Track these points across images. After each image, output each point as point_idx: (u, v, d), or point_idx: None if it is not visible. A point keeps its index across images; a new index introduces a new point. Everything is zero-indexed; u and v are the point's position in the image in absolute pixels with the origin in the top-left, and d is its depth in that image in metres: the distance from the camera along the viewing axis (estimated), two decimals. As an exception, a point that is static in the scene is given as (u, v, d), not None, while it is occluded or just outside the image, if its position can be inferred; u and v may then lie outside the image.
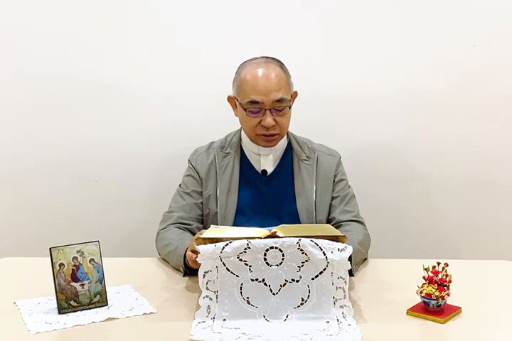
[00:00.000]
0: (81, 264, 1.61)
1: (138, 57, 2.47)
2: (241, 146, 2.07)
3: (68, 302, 1.60)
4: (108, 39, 2.45)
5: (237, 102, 1.97)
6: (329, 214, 2.04)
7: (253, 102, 1.90)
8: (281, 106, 1.91)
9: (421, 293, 1.56)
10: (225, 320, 1.51)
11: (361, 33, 2.42)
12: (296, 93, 2.01)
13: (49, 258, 1.58)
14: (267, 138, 1.97)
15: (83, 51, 2.46)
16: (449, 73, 2.43)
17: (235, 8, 2.42)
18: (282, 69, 1.94)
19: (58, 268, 1.59)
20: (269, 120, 1.91)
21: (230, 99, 2.02)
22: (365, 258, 1.99)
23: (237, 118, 2.02)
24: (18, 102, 2.52)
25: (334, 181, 2.07)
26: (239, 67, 1.98)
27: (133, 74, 2.47)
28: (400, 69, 2.44)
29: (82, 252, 1.62)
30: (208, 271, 1.54)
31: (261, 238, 1.54)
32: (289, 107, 1.94)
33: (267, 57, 1.97)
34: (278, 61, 1.97)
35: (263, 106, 1.90)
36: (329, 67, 2.45)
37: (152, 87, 2.48)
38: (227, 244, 1.52)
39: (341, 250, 1.53)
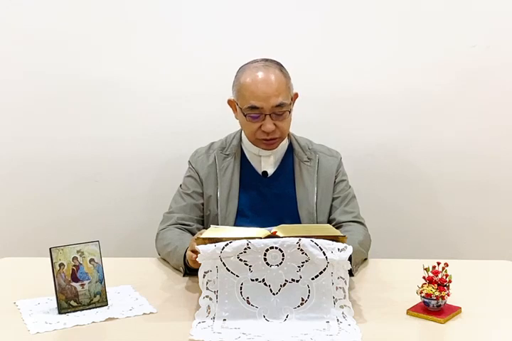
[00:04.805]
0: (81, 264, 1.61)
1: (138, 57, 2.47)
2: (241, 147, 2.07)
3: (68, 302, 1.60)
4: (108, 39, 2.45)
5: (237, 106, 1.96)
6: (330, 214, 2.04)
7: (253, 108, 1.89)
8: (281, 110, 1.89)
9: (421, 293, 1.56)
10: (225, 320, 1.51)
11: (361, 33, 2.42)
12: (296, 95, 1.99)
13: (49, 258, 1.58)
14: (267, 142, 1.96)
15: (83, 51, 2.46)
16: (449, 73, 2.43)
17: (236, 8, 2.42)
18: (282, 73, 1.92)
19: (58, 268, 1.59)
20: (269, 125, 1.90)
21: (230, 102, 2.01)
22: (365, 259, 1.99)
23: (238, 120, 2.02)
24: (17, 102, 2.52)
25: (335, 182, 2.06)
26: (238, 71, 1.96)
27: (133, 74, 2.47)
28: (400, 69, 2.44)
29: (82, 252, 1.61)
30: (208, 271, 1.54)
31: (261, 238, 1.55)
32: (289, 111, 1.93)
33: (266, 60, 1.94)
34: (277, 63, 1.94)
35: (263, 111, 1.89)
36: (329, 68, 2.45)
37: (152, 87, 2.48)
38: (227, 244, 1.52)
39: (341, 250, 1.53)
